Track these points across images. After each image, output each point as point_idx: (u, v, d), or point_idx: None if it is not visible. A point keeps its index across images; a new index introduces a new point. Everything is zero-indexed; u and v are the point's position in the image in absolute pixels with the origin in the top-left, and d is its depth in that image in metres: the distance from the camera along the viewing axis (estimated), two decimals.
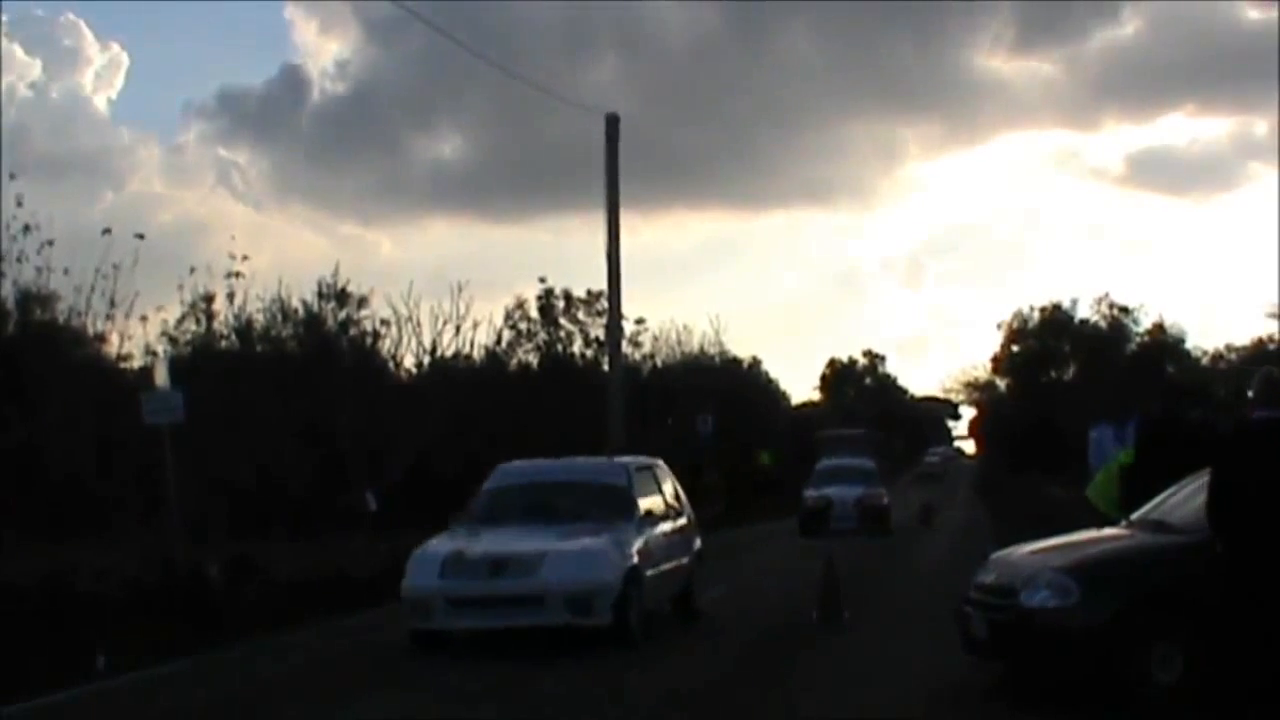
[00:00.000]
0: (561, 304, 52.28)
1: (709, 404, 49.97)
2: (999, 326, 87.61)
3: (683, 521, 19.56)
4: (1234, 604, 11.18)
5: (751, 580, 25.22)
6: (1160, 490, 13.40)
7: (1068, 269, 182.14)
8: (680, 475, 43.20)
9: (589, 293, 51.69)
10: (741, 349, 75.98)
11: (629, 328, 50.81)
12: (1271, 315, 59.91)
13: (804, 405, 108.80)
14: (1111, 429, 17.85)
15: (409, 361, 42.52)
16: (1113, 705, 11.15)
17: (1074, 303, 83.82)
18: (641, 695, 13.35)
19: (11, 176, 26.82)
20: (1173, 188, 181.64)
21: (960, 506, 58.98)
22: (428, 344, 42.36)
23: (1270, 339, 63.82)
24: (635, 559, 16.47)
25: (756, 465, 59.82)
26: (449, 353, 43.18)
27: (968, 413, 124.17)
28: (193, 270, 33.91)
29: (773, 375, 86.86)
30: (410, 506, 29.96)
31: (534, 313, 52.06)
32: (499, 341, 48.68)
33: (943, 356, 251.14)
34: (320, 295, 38.72)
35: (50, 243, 27.44)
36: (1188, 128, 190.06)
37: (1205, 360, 79.24)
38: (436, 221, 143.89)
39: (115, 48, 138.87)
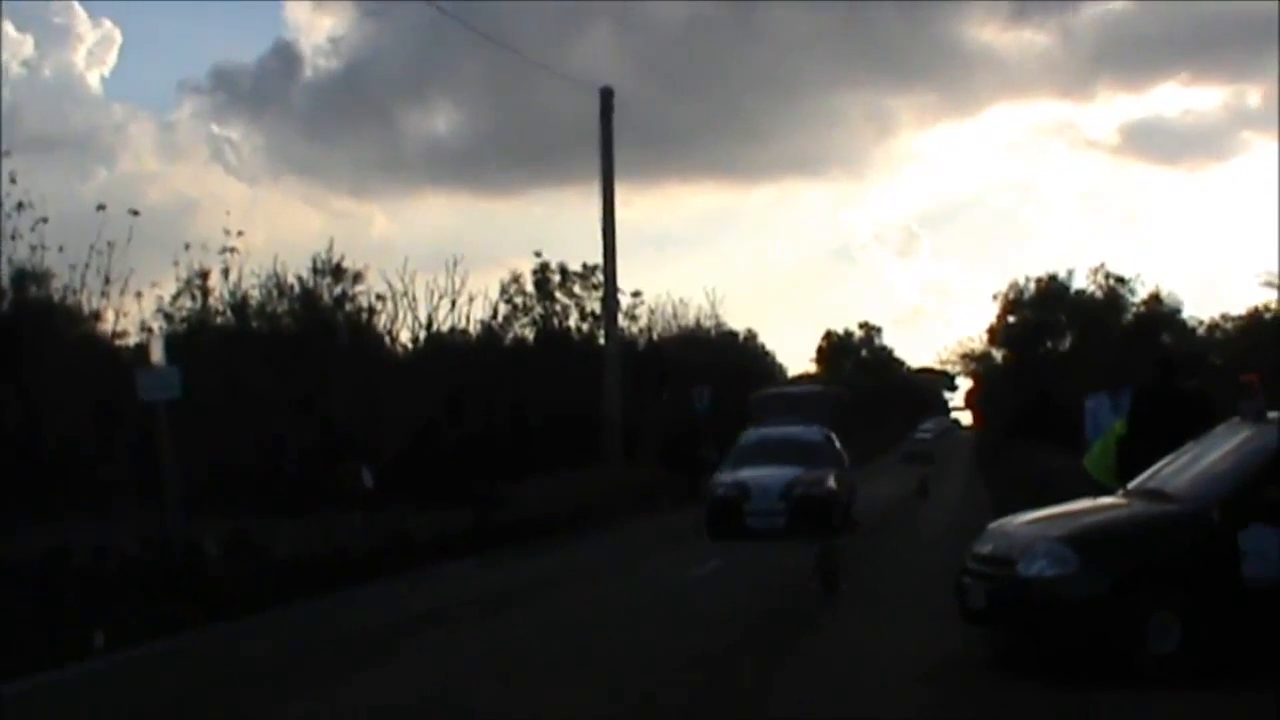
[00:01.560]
0: (557, 278, 52.23)
1: (705, 377, 49.92)
2: (995, 297, 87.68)
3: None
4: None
5: (748, 552, 25.23)
6: (1157, 460, 13.41)
7: (1063, 239, 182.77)
8: (677, 448, 43.14)
9: (585, 266, 51.67)
10: (737, 321, 76.03)
11: (625, 301, 50.78)
12: (1267, 284, 59.83)
13: (800, 377, 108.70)
14: (1108, 399, 17.84)
15: (405, 336, 42.48)
16: (1111, 674, 11.16)
17: (1070, 273, 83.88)
18: (632, 668, 13.36)
19: (7, 153, 26.72)
20: (1167, 157, 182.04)
21: (958, 477, 58.99)
22: (423, 319, 42.34)
23: (1266, 308, 63.79)
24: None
25: None
26: (445, 327, 43.15)
27: (964, 384, 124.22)
28: (188, 247, 33.79)
29: (769, 348, 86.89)
30: (407, 483, 29.97)
31: (529, 287, 52.03)
32: (495, 316, 48.64)
33: (939, 328, 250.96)
34: (315, 271, 38.61)
35: (44, 220, 27.39)
36: (1182, 97, 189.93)
37: (1201, 330, 79.25)
38: (431, 196, 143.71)
39: (107, 24, 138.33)
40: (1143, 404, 15.71)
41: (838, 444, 31.71)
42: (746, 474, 28.73)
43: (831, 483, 28.84)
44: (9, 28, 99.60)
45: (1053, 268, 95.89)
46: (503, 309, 49.89)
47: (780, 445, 30.07)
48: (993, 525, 13.66)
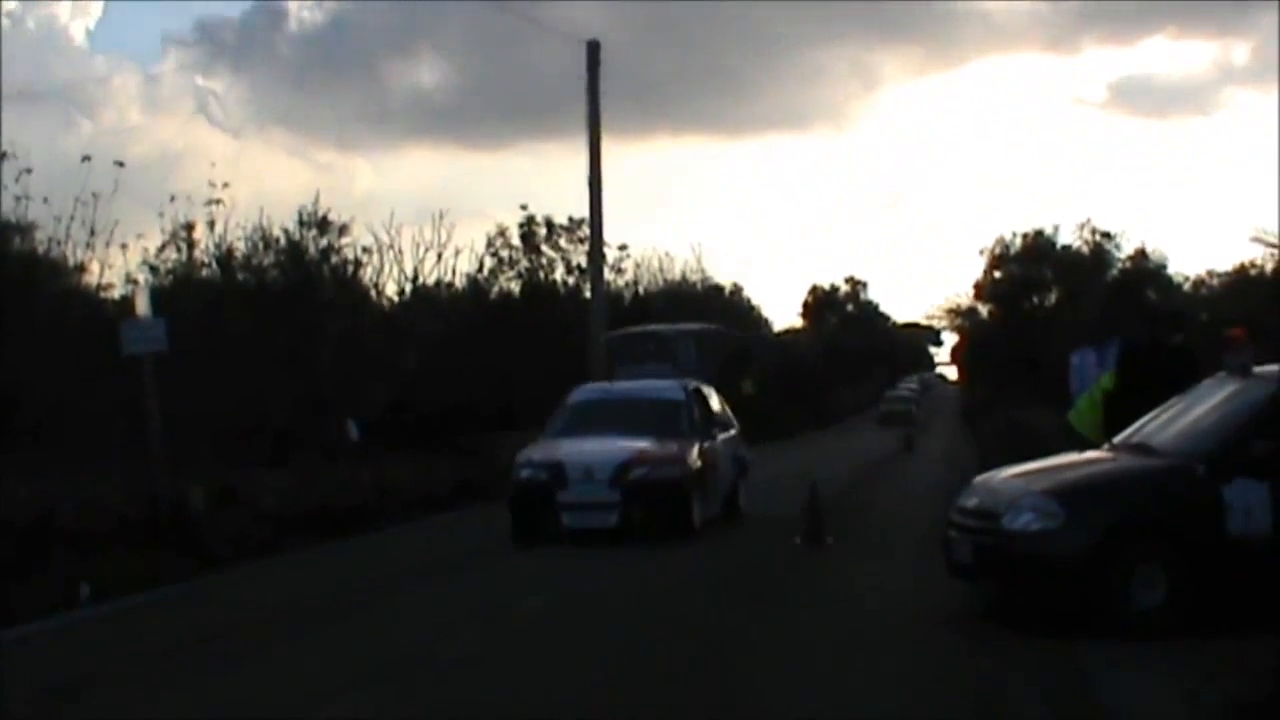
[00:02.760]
0: (543, 231, 52.00)
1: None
2: (981, 252, 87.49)
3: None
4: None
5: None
6: (1143, 415, 13.42)
7: (1049, 194, 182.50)
8: None
9: (571, 220, 51.44)
10: (724, 275, 75.97)
11: (611, 254, 50.60)
12: (1256, 240, 59.83)
13: (787, 332, 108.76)
14: (1094, 354, 17.79)
15: (390, 289, 42.38)
16: (1096, 627, 11.20)
17: (1056, 229, 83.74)
18: (625, 622, 13.39)
19: None
20: (1154, 111, 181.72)
21: (943, 432, 59.13)
22: (409, 272, 42.22)
23: (1253, 264, 63.79)
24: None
25: (739, 394, 59.76)
26: (430, 281, 43.03)
27: (950, 339, 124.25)
28: (173, 199, 33.62)
29: (755, 302, 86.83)
30: (393, 435, 29.97)
31: (515, 240, 51.81)
32: (480, 269, 48.46)
33: (925, 283, 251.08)
34: (301, 223, 38.41)
35: (29, 171, 27.27)
36: (1169, 51, 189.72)
37: (1187, 286, 79.25)
38: (417, 149, 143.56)
39: None
40: (1131, 360, 15.71)
41: (716, 404, 23.19)
42: (566, 449, 20.15)
43: (692, 460, 20.09)
44: None
45: (1039, 223, 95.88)
46: (488, 262, 49.69)
47: (622, 407, 21.47)
48: (978, 479, 13.67)
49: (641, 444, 20.00)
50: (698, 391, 22.37)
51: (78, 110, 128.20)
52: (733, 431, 23.25)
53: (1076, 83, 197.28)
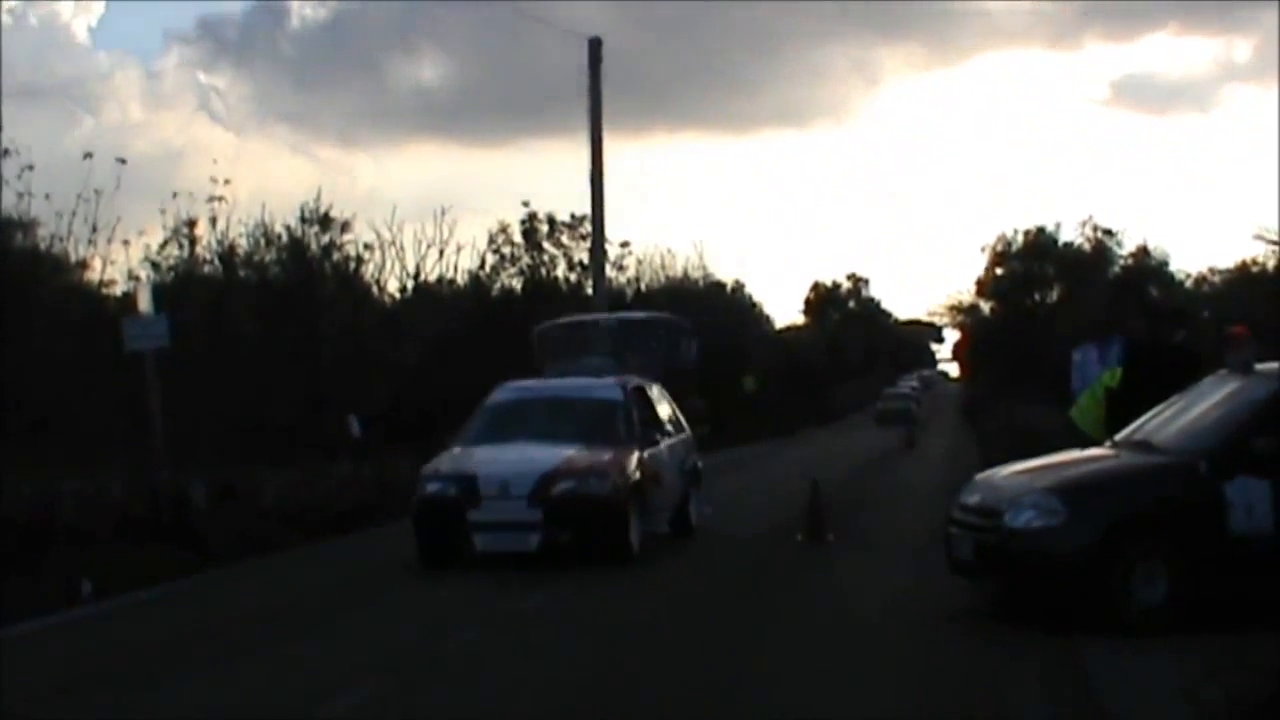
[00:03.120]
0: (545, 228, 52.00)
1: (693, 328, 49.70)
2: (983, 249, 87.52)
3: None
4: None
5: (737, 502, 25.27)
6: (1146, 412, 13.41)
7: (1051, 190, 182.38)
8: None
9: (573, 216, 51.44)
10: (725, 272, 75.83)
11: (613, 251, 50.60)
12: (1258, 237, 59.82)
13: (789, 329, 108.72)
14: (1095, 350, 17.79)
15: (392, 286, 42.40)
16: (1097, 624, 11.20)
17: (1058, 225, 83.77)
18: (630, 618, 13.39)
19: None
20: (1155, 108, 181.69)
21: (945, 429, 59.13)
22: (411, 268, 42.23)
23: (1254, 261, 63.78)
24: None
25: (741, 389, 59.84)
26: (432, 277, 43.05)
27: (952, 336, 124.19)
28: (175, 195, 33.73)
29: (756, 299, 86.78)
30: (394, 432, 29.95)
31: (517, 237, 51.81)
32: (482, 265, 48.47)
33: (927, 280, 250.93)
34: (303, 220, 38.46)
35: (31, 167, 27.23)
36: (1171, 48, 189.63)
37: (1189, 283, 79.26)
38: (419, 146, 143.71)
39: None
40: (1136, 357, 15.70)
41: (663, 405, 20.43)
42: (480, 459, 17.23)
43: (628, 471, 17.26)
44: None
45: (1041, 220, 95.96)
46: (490, 259, 49.70)
47: (549, 408, 18.66)
48: (980, 476, 13.69)
49: (569, 452, 17.05)
50: (639, 390, 19.30)
51: (80, 107, 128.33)
52: (683, 436, 20.53)
53: (1078, 80, 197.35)
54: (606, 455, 17.18)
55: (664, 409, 20.24)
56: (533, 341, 22.64)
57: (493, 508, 16.52)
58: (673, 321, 24.42)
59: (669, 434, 19.71)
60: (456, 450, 17.84)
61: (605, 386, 18.97)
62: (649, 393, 19.76)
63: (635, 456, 17.58)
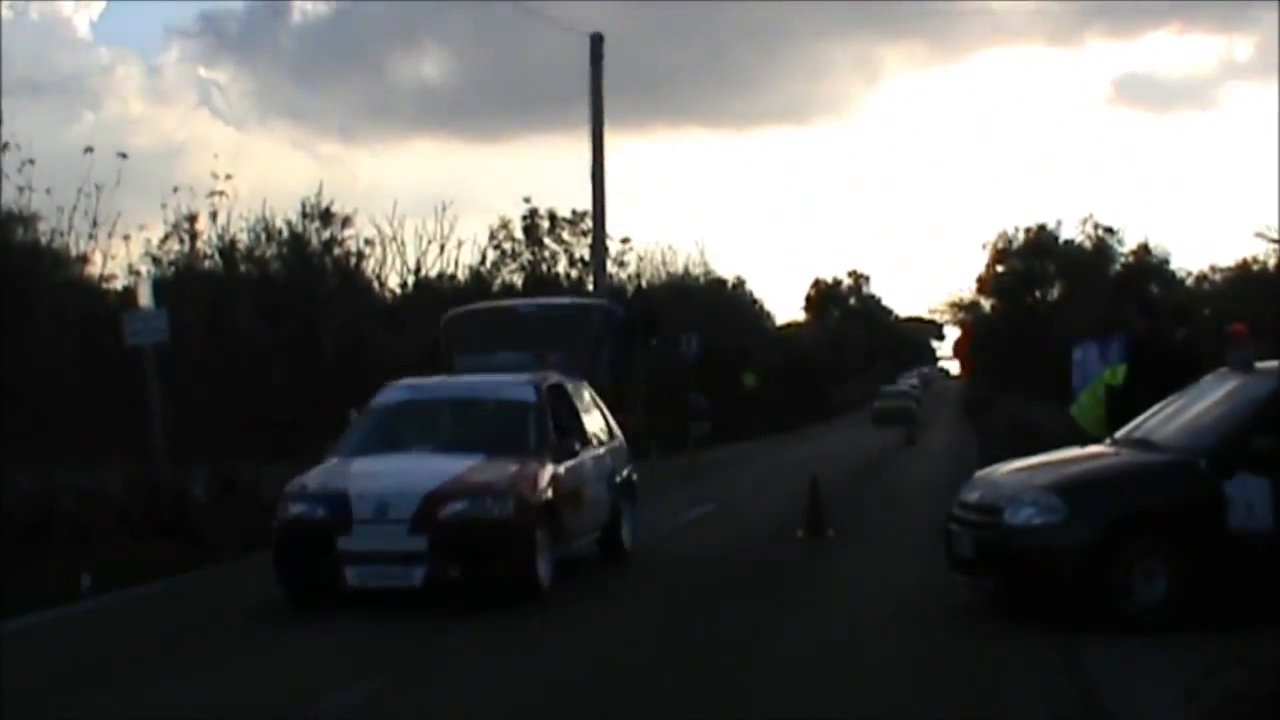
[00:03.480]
0: (546, 224, 52.15)
1: (694, 324, 49.87)
2: (984, 247, 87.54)
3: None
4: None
5: (738, 498, 25.28)
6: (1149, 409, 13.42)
7: (1052, 188, 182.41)
8: (665, 395, 42.38)
9: (574, 212, 51.58)
10: (726, 269, 75.94)
11: (614, 247, 50.67)
12: (1259, 236, 59.76)
13: (789, 325, 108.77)
14: (1096, 348, 17.79)
15: (393, 281, 42.44)
16: (1097, 621, 11.21)
17: (1059, 223, 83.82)
18: (627, 607, 13.39)
19: None
20: (1157, 106, 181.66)
21: (945, 426, 59.14)
22: (412, 264, 42.30)
23: (1255, 260, 63.77)
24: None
25: (742, 386, 59.87)
26: (433, 273, 43.12)
27: (953, 334, 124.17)
28: (176, 190, 33.82)
29: (757, 295, 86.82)
30: None
31: (518, 232, 51.95)
32: (483, 261, 48.57)
33: (928, 277, 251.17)
34: (304, 215, 38.56)
35: (31, 161, 27.24)
36: (1172, 46, 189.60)
37: (1189, 281, 79.25)
38: (420, 141, 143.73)
39: None
40: (1140, 354, 15.69)
41: (590, 407, 17.21)
42: (356, 473, 14.34)
43: (539, 486, 14.30)
44: None
45: (1042, 217, 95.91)
46: (491, 255, 49.87)
47: (446, 412, 16.04)
48: (980, 473, 13.69)
49: (464, 466, 14.12)
50: (557, 390, 16.24)
51: (81, 101, 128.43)
52: (613, 444, 17.34)
53: (1079, 77, 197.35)
54: (510, 468, 14.12)
55: (590, 412, 17.04)
56: (440, 331, 19.30)
57: (367, 534, 13.49)
58: (609, 310, 20.77)
59: (595, 442, 16.67)
60: (331, 462, 14.87)
61: (515, 385, 15.84)
62: (571, 393, 16.60)
63: (548, 470, 14.58)
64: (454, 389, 16.57)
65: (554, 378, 16.49)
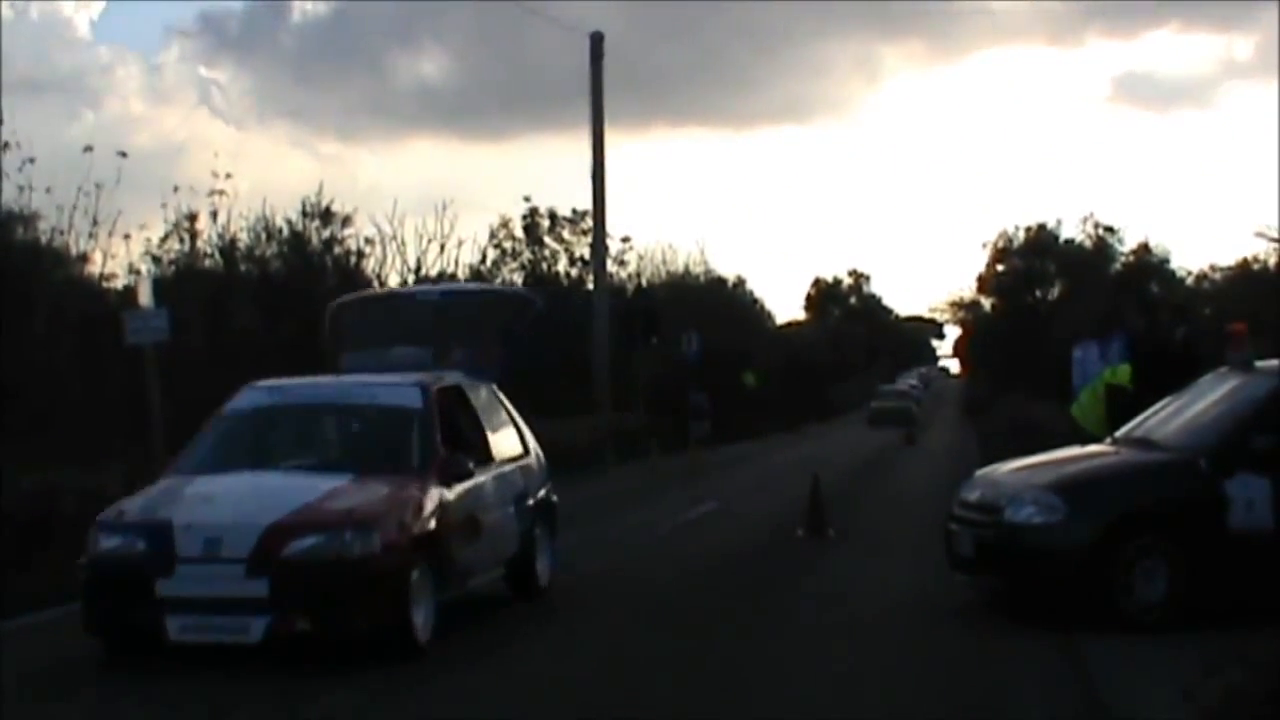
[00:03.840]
0: (546, 223, 52.15)
1: (694, 323, 49.92)
2: (984, 246, 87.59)
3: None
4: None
5: (738, 497, 25.29)
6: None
7: (1052, 187, 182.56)
8: (665, 394, 42.25)
9: (574, 211, 51.59)
10: (727, 268, 75.95)
11: (614, 246, 50.71)
12: (1260, 235, 59.75)
13: (790, 325, 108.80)
14: (1096, 347, 17.80)
15: (394, 280, 42.40)
16: (1097, 620, 11.21)
17: (1059, 222, 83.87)
18: (628, 608, 13.39)
19: None
20: (1157, 106, 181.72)
21: (945, 425, 59.15)
22: (412, 263, 42.26)
23: (1255, 259, 63.76)
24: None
25: (743, 385, 59.88)
26: (434, 271, 43.07)
27: (953, 333, 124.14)
28: (176, 189, 33.66)
29: (758, 295, 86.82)
30: None
31: (519, 232, 51.94)
32: (484, 260, 48.54)
33: (928, 276, 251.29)
34: (304, 214, 38.46)
35: (31, 160, 27.24)
36: (1172, 45, 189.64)
37: (1189, 280, 79.27)
38: (420, 140, 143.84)
39: None
40: (1143, 353, 15.70)
41: (495, 416, 14.25)
42: (187, 498, 11.72)
43: (419, 514, 11.61)
44: None
45: (1042, 216, 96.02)
46: (492, 254, 49.83)
47: (309, 421, 13.47)
48: (980, 472, 13.69)
49: (321, 489, 11.37)
50: (454, 394, 13.44)
51: (81, 100, 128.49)
52: (526, 460, 14.41)
53: (1080, 77, 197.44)
54: (380, 492, 11.43)
55: (498, 422, 14.12)
56: (325, 322, 16.05)
57: (194, 576, 10.80)
58: (525, 299, 17.21)
59: (502, 458, 13.75)
60: (163, 484, 12.21)
61: (397, 389, 12.97)
62: (472, 398, 13.77)
63: (433, 493, 11.80)
64: (323, 393, 13.52)
65: (450, 379, 13.61)
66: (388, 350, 14.61)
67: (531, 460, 14.57)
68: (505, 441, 14.05)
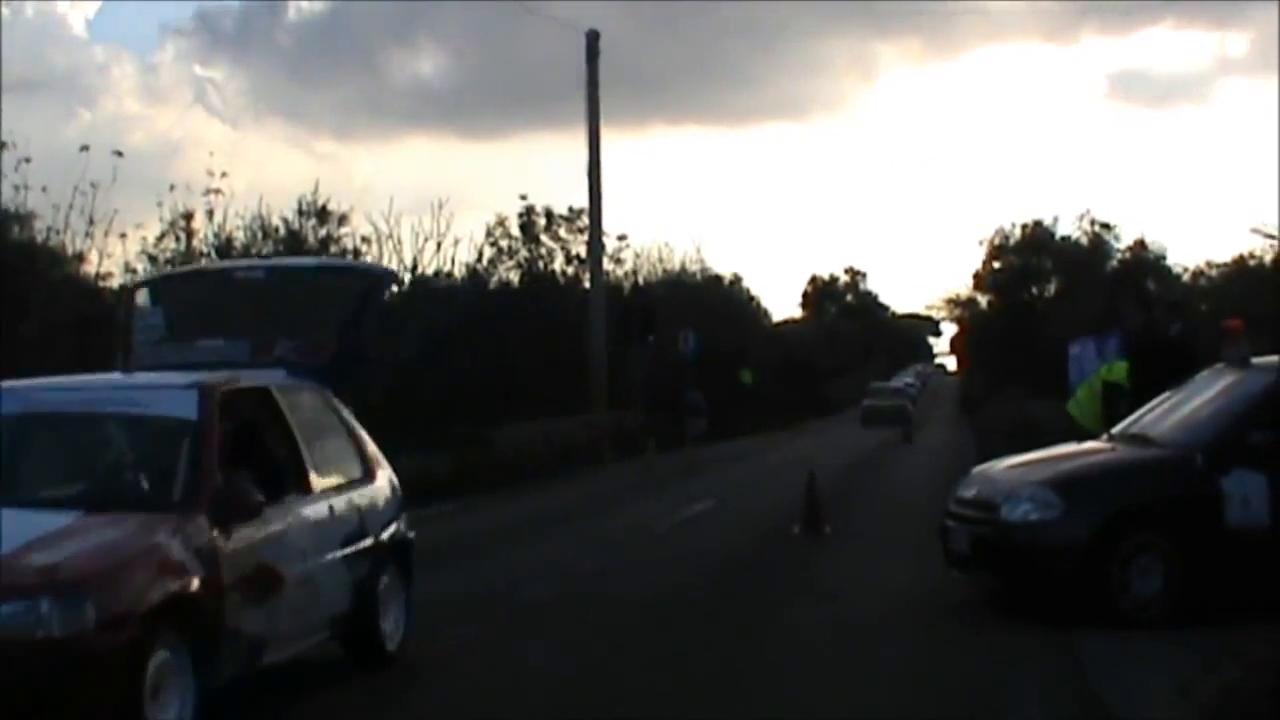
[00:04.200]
0: (542, 221, 52.04)
1: (691, 321, 49.89)
2: (980, 243, 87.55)
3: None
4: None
5: (735, 495, 25.28)
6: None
7: (1048, 184, 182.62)
8: (662, 391, 42.22)
9: (570, 210, 51.50)
10: (723, 265, 75.91)
11: (610, 244, 50.69)
12: (1256, 231, 59.75)
13: (786, 322, 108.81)
14: (1093, 343, 17.82)
15: None
16: (1093, 617, 11.21)
17: (1055, 219, 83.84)
18: (624, 602, 13.39)
19: None
20: (1153, 102, 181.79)
21: (942, 422, 59.17)
22: (408, 261, 42.24)
23: (1251, 255, 63.77)
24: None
25: (738, 383, 59.86)
26: (430, 270, 43.07)
27: (950, 330, 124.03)
28: (172, 188, 33.74)
29: (754, 292, 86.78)
30: (391, 424, 29.92)
31: (515, 230, 51.86)
32: (480, 259, 48.48)
33: (924, 273, 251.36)
34: (300, 213, 38.45)
35: (27, 160, 27.24)
36: (1168, 42, 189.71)
37: (1186, 277, 79.27)
38: (416, 139, 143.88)
39: None
40: (1140, 350, 15.70)
41: (321, 427, 10.57)
42: None
43: (168, 570, 7.97)
44: None
45: (1038, 213, 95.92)
46: (488, 252, 49.73)
47: (42, 436, 9.63)
48: (976, 470, 13.70)
49: (27, 535, 7.87)
50: (252, 399, 9.99)
51: (76, 99, 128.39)
52: (367, 486, 10.78)
53: (1075, 73, 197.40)
54: (106, 538, 8.05)
55: (321, 437, 10.52)
56: (120, 306, 13.50)
57: None
58: (375, 275, 13.85)
59: (324, 485, 10.13)
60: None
61: (165, 392, 9.62)
62: (284, 405, 10.16)
63: (199, 537, 8.41)
64: (62, 397, 10.08)
65: (250, 380, 10.20)
66: (192, 343, 11.70)
67: (375, 487, 10.89)
68: (334, 463, 10.48)
